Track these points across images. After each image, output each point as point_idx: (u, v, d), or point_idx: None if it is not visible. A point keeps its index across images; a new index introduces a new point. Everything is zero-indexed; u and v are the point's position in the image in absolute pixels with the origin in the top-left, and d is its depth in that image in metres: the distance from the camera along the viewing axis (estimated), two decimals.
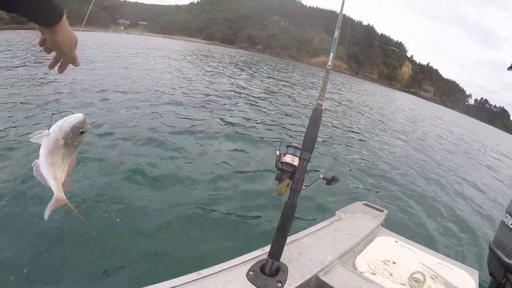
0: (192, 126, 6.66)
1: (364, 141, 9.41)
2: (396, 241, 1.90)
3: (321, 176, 1.43)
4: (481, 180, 8.92)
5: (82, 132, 0.82)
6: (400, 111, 26.01)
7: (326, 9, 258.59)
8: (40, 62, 11.67)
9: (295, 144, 1.47)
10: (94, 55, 16.74)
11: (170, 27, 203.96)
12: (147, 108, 7.47)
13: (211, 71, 17.99)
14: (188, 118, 7.15)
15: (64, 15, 0.80)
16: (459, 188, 7.29)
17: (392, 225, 3.19)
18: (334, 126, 10.21)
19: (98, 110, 6.49)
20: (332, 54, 1.75)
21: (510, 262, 2.13)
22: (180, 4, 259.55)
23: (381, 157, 7.92)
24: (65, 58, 0.88)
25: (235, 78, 17.00)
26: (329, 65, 1.72)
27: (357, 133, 10.33)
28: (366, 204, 2.33)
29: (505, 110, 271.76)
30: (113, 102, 7.47)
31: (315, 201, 4.15)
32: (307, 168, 1.40)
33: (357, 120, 13.17)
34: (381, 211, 2.28)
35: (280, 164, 1.41)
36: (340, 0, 1.99)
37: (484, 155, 15.75)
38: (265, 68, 32.71)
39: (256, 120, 8.19)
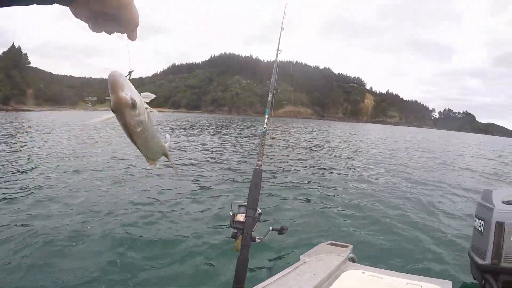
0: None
1: (337, 175, 9.57)
2: (363, 272, 1.90)
3: (271, 228, 1.54)
4: (456, 189, 8.84)
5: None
6: (367, 141, 26.83)
7: (283, 60, 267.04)
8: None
9: (245, 203, 1.59)
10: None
11: None
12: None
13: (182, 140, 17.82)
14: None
15: None
16: (432, 202, 7.15)
17: (364, 257, 3.26)
18: (301, 170, 10.47)
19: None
20: (267, 116, 1.87)
21: (484, 263, 2.26)
22: (143, 76, 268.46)
23: (347, 190, 7.95)
24: (125, 16, 0.58)
25: (205, 144, 16.93)
26: (264, 127, 1.82)
27: (328, 171, 10.48)
28: (331, 244, 2.34)
29: (469, 113, 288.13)
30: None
31: (281, 249, 4.24)
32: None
33: (326, 159, 13.51)
34: (346, 246, 2.29)
35: (233, 223, 1.51)
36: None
37: (455, 162, 15.77)
38: (233, 128, 33.47)
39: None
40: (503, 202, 2.37)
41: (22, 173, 8.32)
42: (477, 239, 2.45)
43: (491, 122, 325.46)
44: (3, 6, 0.46)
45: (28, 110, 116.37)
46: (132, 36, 0.64)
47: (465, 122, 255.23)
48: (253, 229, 1.48)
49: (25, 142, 14.96)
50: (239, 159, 11.93)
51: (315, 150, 17.23)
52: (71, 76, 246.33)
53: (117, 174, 8.31)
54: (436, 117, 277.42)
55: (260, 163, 1.66)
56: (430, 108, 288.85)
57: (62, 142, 14.78)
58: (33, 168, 8.82)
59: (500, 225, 2.26)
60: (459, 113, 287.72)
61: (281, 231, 1.55)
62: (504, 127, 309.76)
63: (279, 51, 2.15)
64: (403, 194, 7.85)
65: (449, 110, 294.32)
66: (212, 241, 4.41)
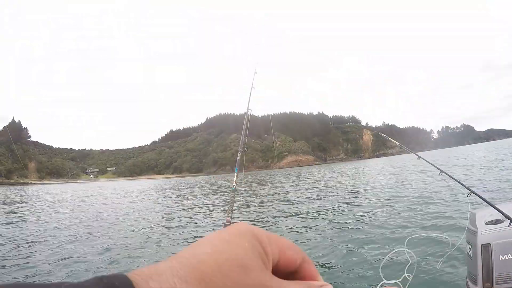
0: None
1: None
2: None
3: None
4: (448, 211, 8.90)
5: None
6: (366, 178, 28.54)
7: (277, 113, 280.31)
8: None
9: None
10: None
11: (138, 168, 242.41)
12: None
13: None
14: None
15: None
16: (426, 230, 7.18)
17: None
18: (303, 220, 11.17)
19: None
20: (236, 174, 2.14)
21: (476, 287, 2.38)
22: (143, 145, 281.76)
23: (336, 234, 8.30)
24: None
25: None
26: (233, 185, 2.10)
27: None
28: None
29: (467, 125, 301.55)
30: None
31: None
32: None
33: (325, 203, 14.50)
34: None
35: None
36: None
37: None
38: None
39: None
40: (486, 223, 2.45)
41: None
42: (469, 265, 2.53)
43: (490, 128, 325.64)
44: None
45: (31, 183, 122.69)
46: None
47: (465, 135, 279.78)
48: None
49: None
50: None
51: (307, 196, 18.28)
52: (71, 149, 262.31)
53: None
54: (436, 137, 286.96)
55: (230, 218, 1.89)
56: (428, 130, 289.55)
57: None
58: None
59: (485, 247, 2.31)
60: (457, 127, 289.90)
61: None
62: (504, 129, 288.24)
63: (250, 110, 2.39)
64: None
65: (447, 127, 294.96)
66: None
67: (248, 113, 2.70)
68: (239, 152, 2.44)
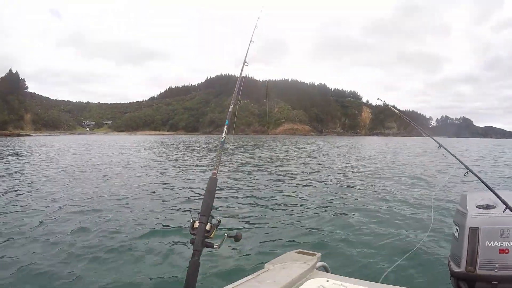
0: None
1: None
2: (328, 281, 1.92)
3: (226, 234, 1.65)
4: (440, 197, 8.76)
5: None
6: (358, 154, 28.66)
7: (279, 79, 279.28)
8: None
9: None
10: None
11: (134, 123, 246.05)
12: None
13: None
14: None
15: None
16: (412, 212, 7.36)
17: (340, 266, 4.19)
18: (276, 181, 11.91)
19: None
20: (226, 127, 2.00)
21: (459, 270, 2.39)
22: (141, 100, 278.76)
23: (323, 199, 8.77)
24: None
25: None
26: (223, 138, 1.95)
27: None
28: (299, 252, 2.33)
29: (467, 118, 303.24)
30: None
31: (249, 257, 4.68)
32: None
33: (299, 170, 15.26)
34: (314, 255, 2.26)
35: (192, 230, 1.61)
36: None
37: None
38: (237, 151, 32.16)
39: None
40: (477, 206, 2.45)
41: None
42: (454, 246, 2.52)
43: (489, 125, 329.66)
44: None
45: (27, 134, 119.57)
46: None
47: (463, 128, 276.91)
48: (210, 236, 1.60)
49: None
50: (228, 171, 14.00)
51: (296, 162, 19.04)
52: (68, 101, 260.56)
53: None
54: (434, 125, 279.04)
55: (216, 171, 1.81)
56: (427, 116, 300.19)
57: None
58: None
59: (474, 231, 2.33)
60: (456, 119, 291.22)
61: (236, 237, 1.69)
62: (502, 129, 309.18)
63: (246, 63, 2.32)
64: (386, 202, 8.48)
65: (446, 117, 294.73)
66: (172, 246, 5.07)
67: (245, 66, 2.30)
68: (231, 105, 2.07)
